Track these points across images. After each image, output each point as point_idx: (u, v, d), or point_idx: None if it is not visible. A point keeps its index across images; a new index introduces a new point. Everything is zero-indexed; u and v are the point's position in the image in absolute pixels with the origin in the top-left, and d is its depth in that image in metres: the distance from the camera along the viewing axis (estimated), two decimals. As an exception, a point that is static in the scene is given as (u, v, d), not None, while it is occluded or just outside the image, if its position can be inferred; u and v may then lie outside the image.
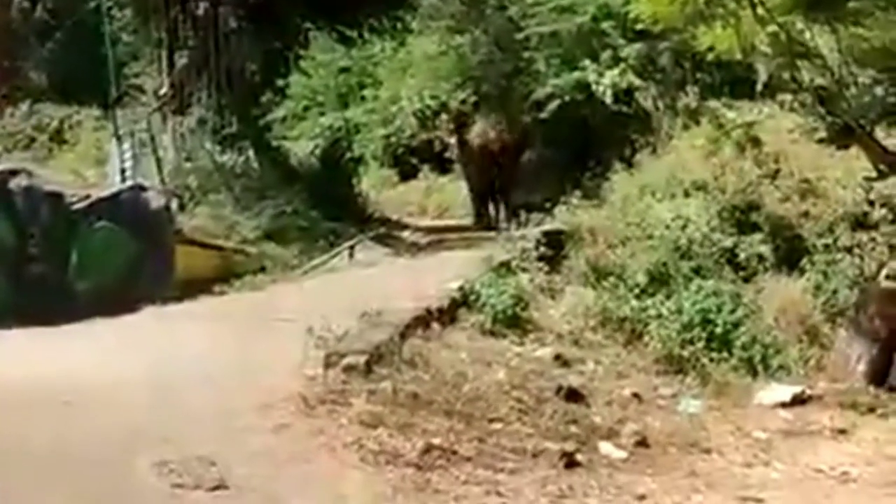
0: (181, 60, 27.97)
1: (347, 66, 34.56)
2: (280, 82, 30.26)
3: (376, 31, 30.71)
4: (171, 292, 16.78)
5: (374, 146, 33.04)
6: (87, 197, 17.72)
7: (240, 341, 12.59)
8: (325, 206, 25.42)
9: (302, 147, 31.85)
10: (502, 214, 29.04)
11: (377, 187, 35.18)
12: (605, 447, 10.68)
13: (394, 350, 11.13)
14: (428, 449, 9.21)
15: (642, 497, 9.43)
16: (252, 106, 28.22)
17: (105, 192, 18.79)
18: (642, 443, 11.05)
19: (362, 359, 10.60)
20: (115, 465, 8.25)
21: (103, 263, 17.09)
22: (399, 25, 30.77)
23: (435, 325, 12.85)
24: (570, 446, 10.16)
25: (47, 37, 36.38)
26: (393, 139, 32.34)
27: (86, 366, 11.30)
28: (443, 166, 37.73)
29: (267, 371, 10.91)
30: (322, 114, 35.11)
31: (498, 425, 10.34)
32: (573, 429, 10.88)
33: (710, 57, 16.64)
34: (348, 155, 31.68)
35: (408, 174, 38.24)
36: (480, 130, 29.77)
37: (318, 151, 31.21)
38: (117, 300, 15.53)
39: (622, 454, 10.60)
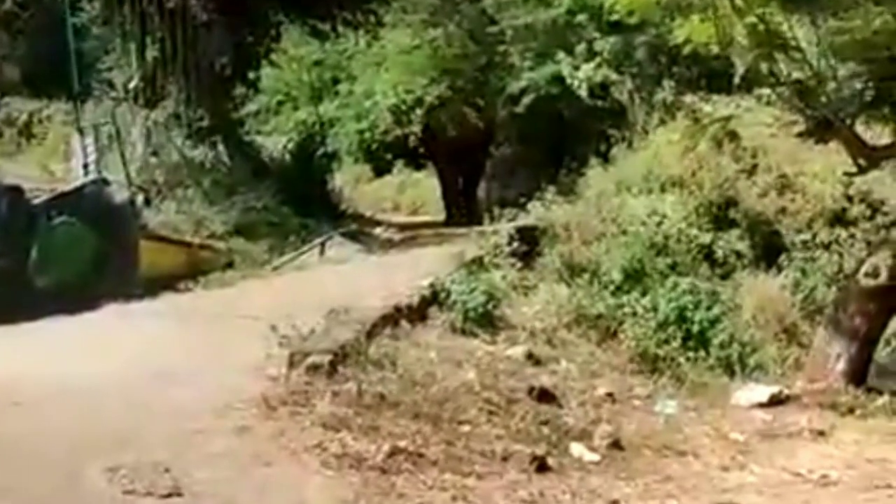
0: (151, 53, 27.43)
1: (321, 60, 34.38)
2: (252, 75, 29.92)
3: (349, 25, 30.34)
4: (135, 289, 16.33)
5: (348, 141, 32.83)
6: (50, 191, 17.27)
7: (202, 340, 12.22)
8: (297, 202, 24.96)
9: (274, 142, 31.56)
10: (472, 209, 28.81)
11: (351, 183, 34.86)
12: (578, 449, 10.35)
13: (360, 349, 10.77)
14: (393, 452, 8.83)
15: (615, 502, 9.10)
16: (223, 100, 27.76)
17: (66, 187, 18.35)
18: (616, 445, 10.74)
19: (327, 358, 10.25)
20: (64, 471, 7.84)
21: (64, 259, 16.60)
22: (372, 19, 30.40)
23: (404, 324, 12.49)
24: (541, 449, 9.84)
25: (17, 30, 35.86)
26: (367, 134, 32.20)
27: (41, 365, 10.82)
28: (417, 162, 37.37)
29: (229, 371, 10.52)
30: (296, 108, 34.96)
31: (467, 427, 10.01)
32: (545, 430, 10.57)
33: (686, 50, 16.33)
34: (321, 150, 31.44)
35: (382, 170, 37.91)
36: (449, 125, 29.42)
37: (290, 146, 30.92)
38: (79, 297, 15.04)
39: (595, 457, 10.29)
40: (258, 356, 10.49)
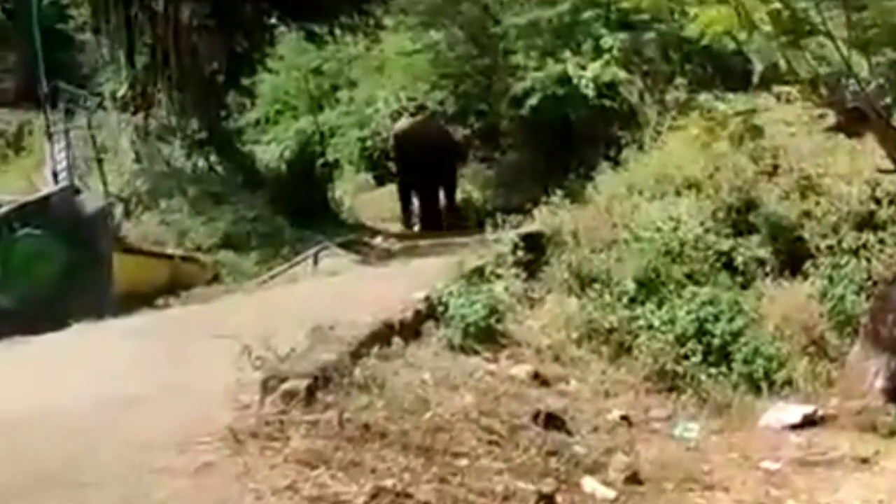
0: (140, 60, 26.52)
1: (320, 67, 33.53)
2: (246, 82, 29.04)
3: (347, 28, 29.41)
4: (108, 306, 15.25)
5: (350, 150, 31.91)
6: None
7: (173, 362, 11.17)
8: (294, 212, 23.96)
9: (271, 151, 30.67)
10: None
11: (352, 192, 33.85)
12: (590, 484, 9.34)
13: (344, 372, 9.59)
14: (377, 493, 7.73)
15: (635, 549, 7.96)
16: (215, 107, 26.79)
17: (32, 196, 17.29)
18: (633, 478, 9.77)
19: (304, 383, 9.10)
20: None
21: (29, 275, 15.57)
22: (371, 21, 29.46)
23: (396, 341, 11.32)
24: (548, 485, 8.81)
25: (8, 41, 35.41)
26: (368, 142, 31.28)
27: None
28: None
29: (197, 397, 9.51)
30: (295, 117, 34.04)
31: (463, 461, 8.88)
32: (552, 463, 9.52)
33: (702, 43, 15.30)
34: (322, 159, 30.57)
35: (384, 179, 36.88)
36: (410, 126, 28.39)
37: (287, 155, 29.98)
38: (45, 316, 14.04)
39: (610, 493, 9.28)
40: (232, 380, 9.32)
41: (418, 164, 27.53)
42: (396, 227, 28.53)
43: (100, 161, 21.12)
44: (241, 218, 22.15)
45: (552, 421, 10.50)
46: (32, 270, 15.59)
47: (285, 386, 9.07)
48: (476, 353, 12.28)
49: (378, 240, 24.02)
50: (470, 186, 29.90)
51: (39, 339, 12.96)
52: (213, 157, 25.31)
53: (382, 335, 11.25)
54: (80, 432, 8.65)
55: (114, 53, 27.55)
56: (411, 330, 12.01)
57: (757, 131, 15.41)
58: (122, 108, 26.03)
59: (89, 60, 32.45)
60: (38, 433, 8.62)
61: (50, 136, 20.77)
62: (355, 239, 22.97)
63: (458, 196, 29.07)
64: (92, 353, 12.11)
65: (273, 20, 28.90)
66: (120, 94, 26.22)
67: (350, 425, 8.68)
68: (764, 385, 13.25)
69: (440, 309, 12.76)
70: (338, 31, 29.98)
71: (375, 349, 10.67)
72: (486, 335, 12.65)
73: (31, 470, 7.74)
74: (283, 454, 8.13)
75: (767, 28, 13.23)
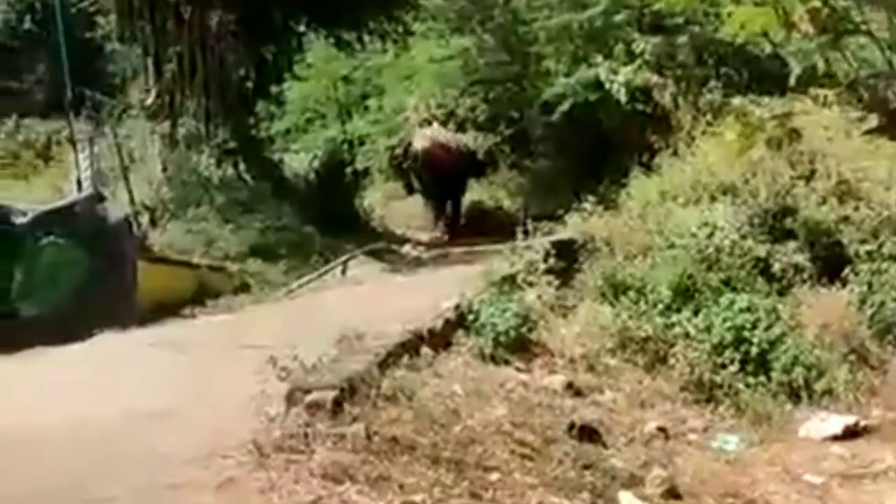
0: (169, 68, 26.35)
1: (349, 75, 33.37)
2: (275, 90, 28.85)
3: (376, 33, 29.21)
4: (132, 316, 15.01)
5: (379, 158, 31.73)
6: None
7: (197, 373, 10.92)
8: (323, 221, 23.77)
9: (300, 160, 30.51)
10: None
11: (382, 201, 33.72)
12: (626, 499, 9.04)
13: (371, 383, 9.30)
14: (405, 509, 7.43)
15: (673, 569, 7.66)
16: (243, 115, 26.61)
17: (55, 204, 17.08)
18: (671, 492, 9.44)
19: (330, 395, 8.80)
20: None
21: (52, 284, 15.34)
22: (400, 28, 29.22)
23: (425, 351, 11.04)
24: (583, 500, 8.56)
25: (38, 50, 35.38)
26: (398, 151, 31.05)
27: (10, 406, 9.60)
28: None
29: (222, 410, 9.20)
30: (324, 126, 33.86)
31: (495, 475, 8.60)
32: (587, 476, 9.23)
33: (737, 44, 14.95)
34: (351, 168, 30.40)
35: (413, 187, 36.83)
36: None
37: (316, 164, 29.80)
38: (69, 326, 13.80)
39: None
40: (256, 392, 9.03)
41: (437, 176, 27.78)
42: (427, 236, 28.33)
43: (125, 169, 20.97)
44: (269, 227, 22.01)
45: (587, 433, 10.24)
46: (56, 279, 15.40)
47: (311, 397, 8.79)
48: (507, 362, 12.00)
49: (407, 248, 23.74)
50: (502, 194, 29.73)
51: (64, 350, 12.75)
52: (241, 166, 25.11)
53: (411, 345, 10.96)
54: (103, 445, 8.43)
55: (142, 62, 27.40)
56: (441, 339, 11.72)
57: (794, 135, 15.11)
58: (151, 117, 25.87)
59: (118, 69, 32.49)
60: (61, 445, 8.42)
61: (74, 144, 20.63)
62: (384, 247, 22.70)
63: (490, 203, 29.12)
64: (117, 364, 11.88)
65: (302, 27, 28.64)
66: (148, 102, 26.05)
67: (377, 438, 8.41)
68: (804, 394, 12.98)
69: (470, 318, 12.48)
70: (367, 38, 29.74)
71: (404, 359, 10.42)
72: (518, 344, 12.39)
73: (52, 482, 7.53)
74: (307, 468, 7.83)
75: (805, 27, 12.94)
